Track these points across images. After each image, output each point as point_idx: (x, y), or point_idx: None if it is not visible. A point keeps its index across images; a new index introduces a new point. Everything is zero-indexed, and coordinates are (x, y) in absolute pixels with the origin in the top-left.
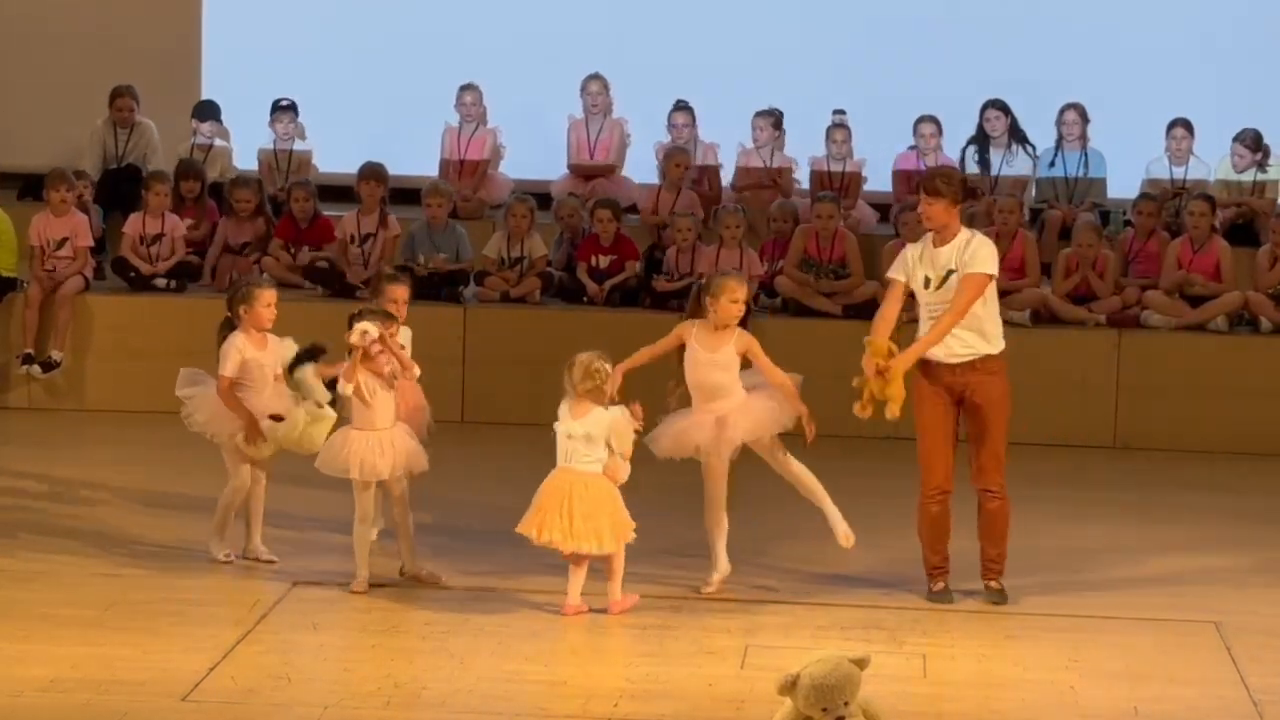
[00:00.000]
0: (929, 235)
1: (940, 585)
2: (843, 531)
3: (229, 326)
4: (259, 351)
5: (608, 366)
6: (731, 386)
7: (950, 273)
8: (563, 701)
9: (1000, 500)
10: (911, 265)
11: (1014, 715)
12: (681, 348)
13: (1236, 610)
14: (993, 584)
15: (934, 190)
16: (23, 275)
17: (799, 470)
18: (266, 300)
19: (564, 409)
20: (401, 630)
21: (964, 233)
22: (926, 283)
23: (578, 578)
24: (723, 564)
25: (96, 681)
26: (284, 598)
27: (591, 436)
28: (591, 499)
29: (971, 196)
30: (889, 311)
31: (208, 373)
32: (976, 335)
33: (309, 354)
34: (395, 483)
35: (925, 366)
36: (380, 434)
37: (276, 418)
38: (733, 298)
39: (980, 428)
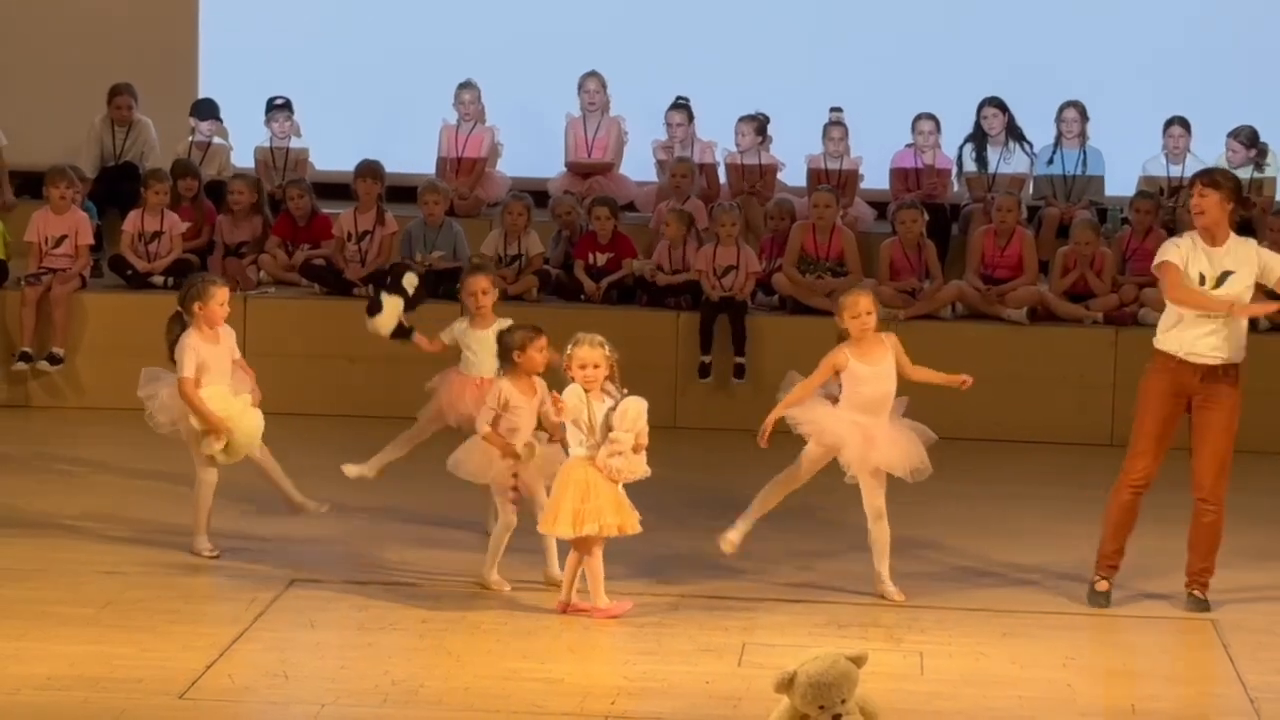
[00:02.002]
0: (1195, 233)
1: (1105, 585)
2: (891, 590)
3: (179, 323)
4: (213, 347)
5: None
6: (891, 398)
7: (1227, 274)
8: (560, 699)
9: (1217, 515)
10: (1185, 254)
11: (1011, 713)
12: (837, 372)
13: (1233, 608)
14: (1196, 593)
15: (1213, 182)
16: (16, 271)
17: (885, 517)
18: (221, 299)
19: None
20: (399, 628)
21: (1235, 237)
22: (1201, 279)
23: (566, 573)
24: (744, 530)
25: (94, 679)
26: (281, 595)
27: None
28: (559, 483)
29: (1245, 205)
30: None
31: (167, 370)
32: (1230, 341)
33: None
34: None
35: (1165, 361)
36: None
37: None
38: (853, 313)
39: (1207, 436)
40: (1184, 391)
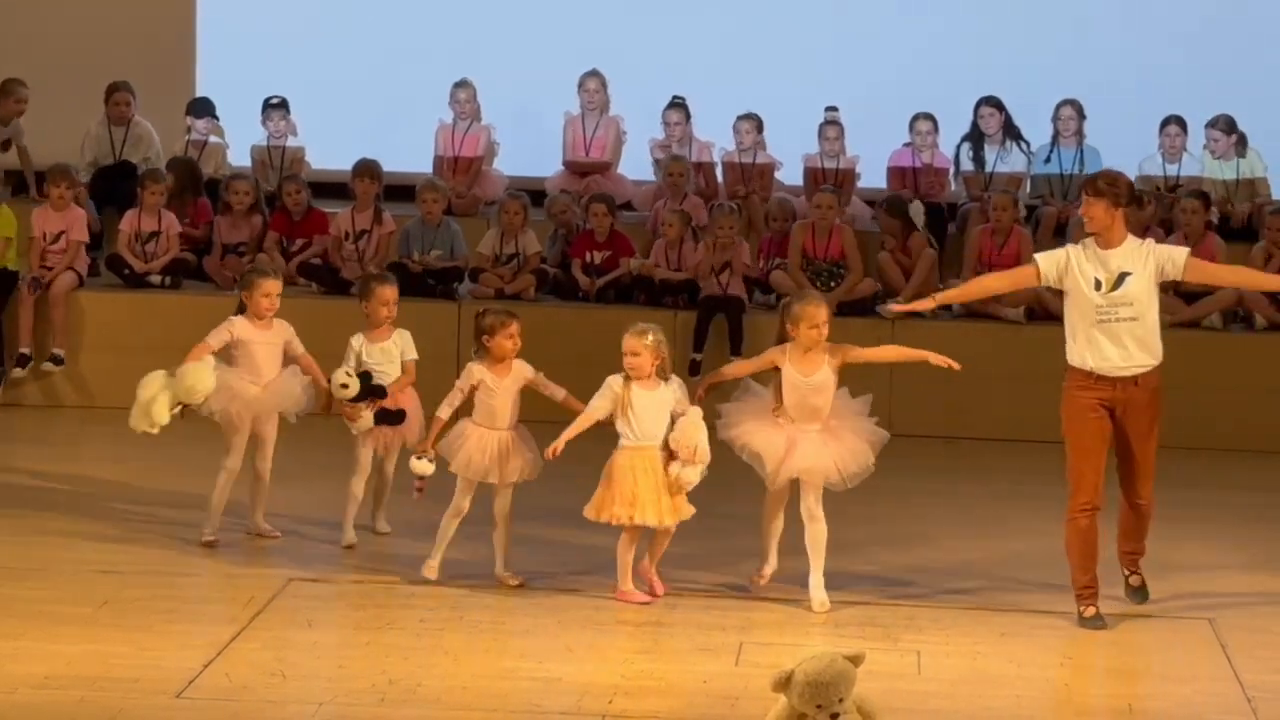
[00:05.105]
0: (1091, 239)
1: (1091, 610)
2: (819, 600)
3: (240, 311)
4: (259, 333)
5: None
6: (825, 409)
7: (1124, 275)
8: (557, 698)
9: (1148, 509)
10: (1073, 262)
11: (1008, 712)
12: (776, 369)
13: (1230, 607)
14: (1133, 582)
15: (1096, 191)
16: (22, 270)
17: (820, 520)
18: (264, 290)
19: None
20: (396, 627)
21: (1133, 239)
22: (1098, 284)
23: (652, 556)
24: (773, 560)
25: (91, 678)
26: (279, 594)
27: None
28: (618, 473)
29: (1137, 203)
30: (1002, 279)
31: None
32: (1143, 348)
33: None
34: (504, 487)
35: (1081, 377)
36: (499, 434)
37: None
38: (812, 324)
39: (1133, 446)
40: (1105, 403)
